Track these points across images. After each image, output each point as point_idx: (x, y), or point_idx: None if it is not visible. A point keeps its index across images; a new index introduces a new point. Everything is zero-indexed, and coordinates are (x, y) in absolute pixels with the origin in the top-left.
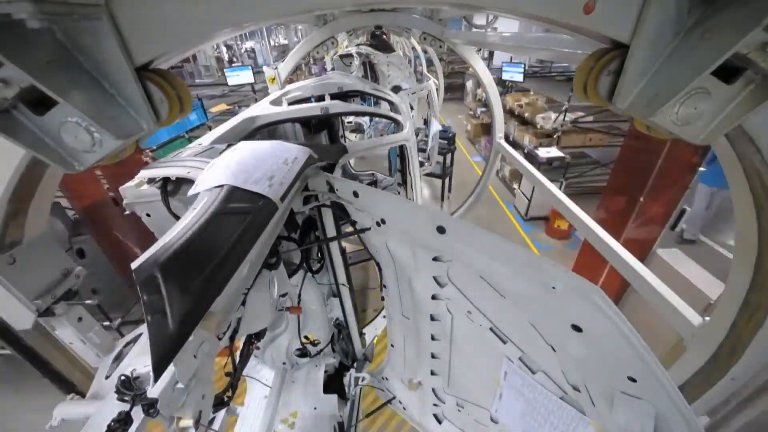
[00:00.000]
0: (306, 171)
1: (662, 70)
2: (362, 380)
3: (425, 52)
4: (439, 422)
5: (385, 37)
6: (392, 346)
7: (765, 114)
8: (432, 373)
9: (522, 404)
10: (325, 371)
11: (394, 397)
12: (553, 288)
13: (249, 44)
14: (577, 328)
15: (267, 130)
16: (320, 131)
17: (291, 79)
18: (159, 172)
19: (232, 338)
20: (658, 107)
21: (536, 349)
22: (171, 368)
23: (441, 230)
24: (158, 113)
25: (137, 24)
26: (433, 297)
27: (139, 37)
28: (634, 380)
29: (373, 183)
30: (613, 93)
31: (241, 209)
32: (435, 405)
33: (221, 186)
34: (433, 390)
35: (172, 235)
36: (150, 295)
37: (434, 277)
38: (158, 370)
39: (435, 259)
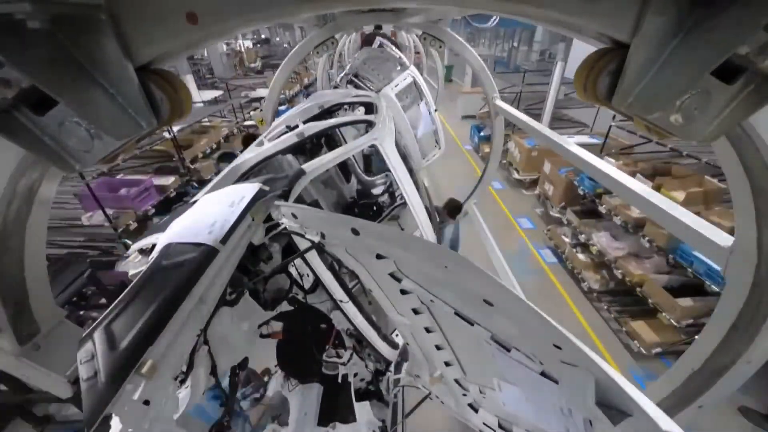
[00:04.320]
0: (266, 203)
1: (662, 70)
2: (399, 381)
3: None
4: (476, 411)
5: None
6: (407, 344)
7: (765, 114)
8: (447, 364)
9: (516, 387)
10: (362, 379)
11: (430, 393)
12: (446, 267)
13: None
14: (488, 303)
15: (257, 171)
16: (318, 152)
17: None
18: (144, 242)
19: (214, 373)
20: (658, 107)
21: (496, 327)
22: None
23: (355, 232)
24: (158, 113)
25: (137, 24)
26: (402, 292)
27: (140, 37)
28: (559, 348)
29: (389, 185)
30: (613, 92)
31: (175, 263)
32: (464, 395)
33: (165, 245)
34: (456, 381)
35: (116, 301)
36: (85, 360)
37: (390, 274)
38: (89, 422)
39: (378, 257)
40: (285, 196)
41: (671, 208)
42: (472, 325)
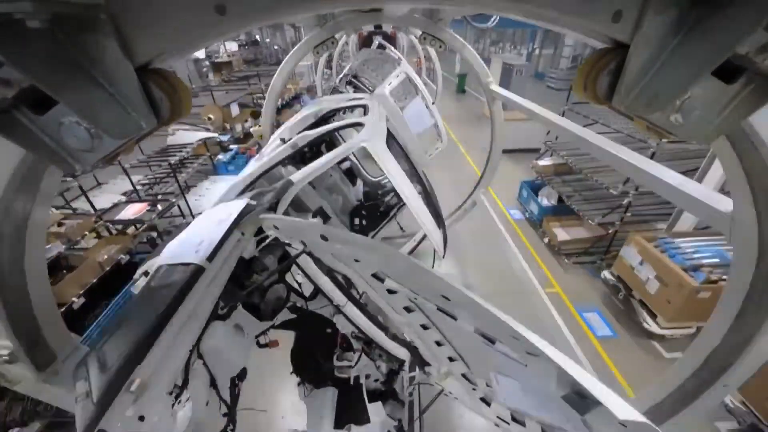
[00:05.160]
0: (255, 217)
1: (662, 69)
2: (413, 379)
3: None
4: (488, 404)
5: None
6: (411, 341)
7: (765, 114)
8: (451, 360)
9: (512, 381)
10: (376, 380)
11: (442, 389)
12: (401, 266)
13: None
14: (446, 298)
15: (258, 185)
16: (317, 158)
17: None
18: (147, 265)
19: (213, 385)
20: (658, 107)
21: (466, 321)
22: None
23: (324, 238)
24: (158, 113)
25: (137, 23)
26: (389, 291)
27: (139, 37)
28: (516, 339)
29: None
30: (613, 92)
31: (163, 284)
32: (473, 390)
33: (156, 268)
34: (464, 376)
35: (111, 324)
36: (79, 380)
37: (373, 275)
38: None
39: (357, 260)
40: (274, 208)
41: (670, 177)
42: (456, 319)
